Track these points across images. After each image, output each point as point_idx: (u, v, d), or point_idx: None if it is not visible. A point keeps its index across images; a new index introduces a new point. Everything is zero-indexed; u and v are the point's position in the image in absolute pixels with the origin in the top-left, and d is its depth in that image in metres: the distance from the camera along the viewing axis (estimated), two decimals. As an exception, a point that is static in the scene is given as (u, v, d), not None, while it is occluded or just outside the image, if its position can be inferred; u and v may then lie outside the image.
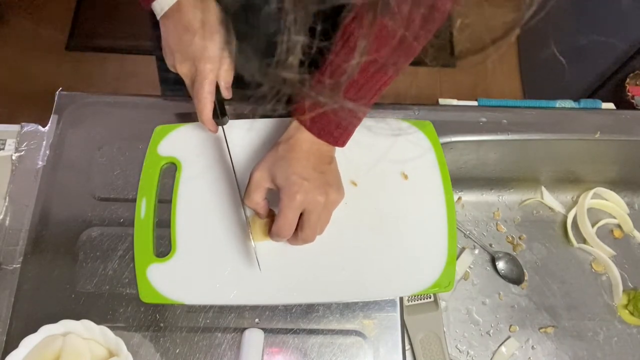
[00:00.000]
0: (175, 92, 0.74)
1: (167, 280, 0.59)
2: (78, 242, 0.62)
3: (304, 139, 0.57)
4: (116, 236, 0.63)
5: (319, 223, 0.56)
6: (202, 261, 0.60)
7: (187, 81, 0.63)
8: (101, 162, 0.67)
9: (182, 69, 0.62)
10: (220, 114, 0.62)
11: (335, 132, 0.57)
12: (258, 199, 0.57)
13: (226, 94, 0.64)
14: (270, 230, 0.56)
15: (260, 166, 0.57)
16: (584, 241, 0.84)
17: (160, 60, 0.77)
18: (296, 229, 0.56)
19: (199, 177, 0.64)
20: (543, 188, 0.87)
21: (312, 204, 0.54)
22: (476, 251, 0.83)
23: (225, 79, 0.63)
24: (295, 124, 0.58)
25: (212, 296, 0.59)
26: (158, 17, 0.61)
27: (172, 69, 0.63)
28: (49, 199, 0.64)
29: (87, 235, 0.63)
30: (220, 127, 0.65)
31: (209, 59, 0.60)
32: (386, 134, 0.68)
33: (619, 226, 0.86)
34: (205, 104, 0.61)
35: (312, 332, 0.59)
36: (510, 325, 0.79)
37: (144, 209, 0.63)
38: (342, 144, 0.59)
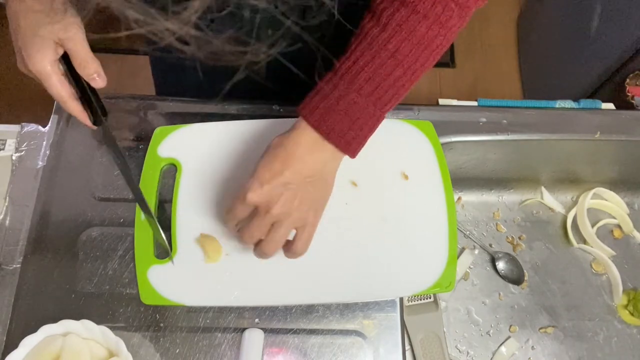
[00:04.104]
0: (171, 93, 0.73)
1: (168, 282, 0.59)
2: (78, 242, 0.62)
3: (308, 138, 0.50)
4: (116, 236, 0.63)
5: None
6: (203, 262, 0.60)
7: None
8: (101, 162, 0.67)
9: (20, 69, 0.49)
10: (96, 113, 0.51)
11: (347, 134, 0.50)
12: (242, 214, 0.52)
13: (99, 82, 0.52)
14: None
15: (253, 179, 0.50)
16: (584, 241, 0.84)
17: (154, 62, 0.74)
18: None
19: (199, 178, 0.64)
20: (543, 188, 0.87)
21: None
22: (476, 251, 0.83)
23: (85, 64, 0.50)
24: (301, 122, 0.51)
25: (213, 297, 0.59)
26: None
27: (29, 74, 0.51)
28: (49, 199, 0.64)
29: (87, 235, 0.63)
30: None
31: (38, 50, 0.47)
32: (386, 134, 0.68)
33: (619, 226, 0.86)
34: (64, 103, 0.50)
35: (312, 332, 0.59)
36: (510, 326, 0.79)
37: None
38: (352, 151, 0.51)
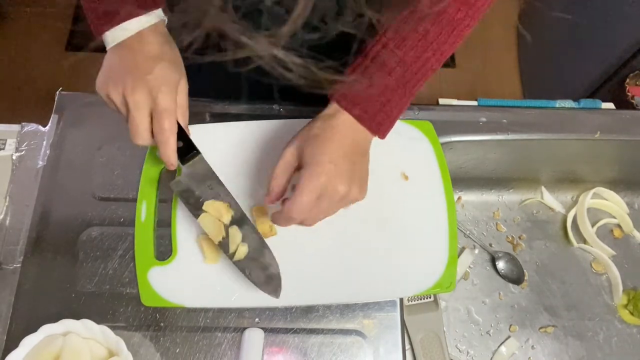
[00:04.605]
0: None
1: (169, 284, 0.59)
2: (78, 242, 0.62)
3: (343, 121, 0.52)
4: (116, 236, 0.63)
5: (322, 213, 0.53)
6: (203, 264, 0.60)
7: (132, 111, 0.55)
8: (101, 162, 0.67)
9: (134, 96, 0.54)
10: (187, 151, 0.57)
11: (378, 115, 0.52)
12: (283, 180, 0.53)
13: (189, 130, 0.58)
14: (281, 211, 0.52)
15: (292, 143, 0.53)
16: (584, 241, 0.84)
17: None
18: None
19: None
20: (543, 188, 0.87)
21: (330, 191, 0.50)
22: (476, 251, 0.83)
23: (183, 114, 0.57)
24: (335, 104, 0.53)
25: (214, 299, 0.59)
26: (108, 47, 0.55)
27: (107, 98, 0.55)
28: (49, 198, 0.64)
29: (87, 235, 0.63)
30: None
31: (170, 90, 0.54)
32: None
33: (619, 226, 0.86)
34: (169, 138, 0.55)
35: (312, 331, 0.59)
36: (510, 325, 0.79)
37: (145, 212, 0.63)
38: (382, 132, 0.54)
